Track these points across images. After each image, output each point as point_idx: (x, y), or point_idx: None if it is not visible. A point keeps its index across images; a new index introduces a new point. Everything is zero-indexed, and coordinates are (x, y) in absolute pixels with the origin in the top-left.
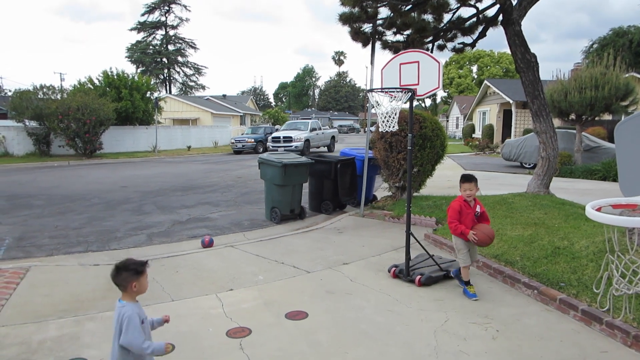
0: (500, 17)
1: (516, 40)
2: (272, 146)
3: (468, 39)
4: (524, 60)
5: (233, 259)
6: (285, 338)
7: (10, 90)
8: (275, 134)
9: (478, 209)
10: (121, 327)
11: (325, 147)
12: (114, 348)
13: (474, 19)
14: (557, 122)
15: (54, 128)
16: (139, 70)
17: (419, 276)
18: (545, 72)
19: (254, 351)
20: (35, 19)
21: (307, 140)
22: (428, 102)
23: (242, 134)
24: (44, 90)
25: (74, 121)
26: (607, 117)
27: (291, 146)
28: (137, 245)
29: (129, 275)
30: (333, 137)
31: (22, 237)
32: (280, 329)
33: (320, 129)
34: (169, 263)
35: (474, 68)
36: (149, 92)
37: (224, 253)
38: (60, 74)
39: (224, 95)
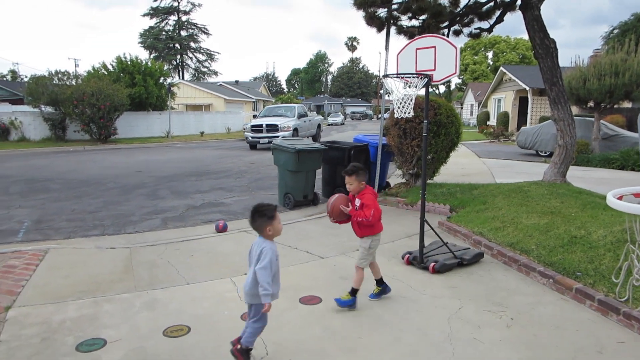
0: (519, 1)
1: (535, 25)
2: (252, 137)
3: (485, 24)
4: (542, 46)
5: (247, 244)
6: (299, 322)
7: (26, 76)
8: (255, 122)
9: (357, 202)
10: (259, 257)
11: (311, 138)
12: (250, 273)
13: (492, 3)
14: (575, 109)
15: (69, 113)
16: (151, 56)
17: (433, 263)
18: (564, 59)
19: (268, 334)
20: (50, 4)
21: (295, 130)
22: (442, 88)
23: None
24: (59, 75)
25: (89, 106)
26: (627, 104)
27: (277, 137)
28: (152, 229)
29: (263, 220)
30: (319, 126)
31: (40, 220)
32: (295, 313)
33: (307, 115)
34: (183, 247)
35: (490, 54)
36: (162, 78)
37: (238, 238)
38: (75, 59)
39: (237, 81)
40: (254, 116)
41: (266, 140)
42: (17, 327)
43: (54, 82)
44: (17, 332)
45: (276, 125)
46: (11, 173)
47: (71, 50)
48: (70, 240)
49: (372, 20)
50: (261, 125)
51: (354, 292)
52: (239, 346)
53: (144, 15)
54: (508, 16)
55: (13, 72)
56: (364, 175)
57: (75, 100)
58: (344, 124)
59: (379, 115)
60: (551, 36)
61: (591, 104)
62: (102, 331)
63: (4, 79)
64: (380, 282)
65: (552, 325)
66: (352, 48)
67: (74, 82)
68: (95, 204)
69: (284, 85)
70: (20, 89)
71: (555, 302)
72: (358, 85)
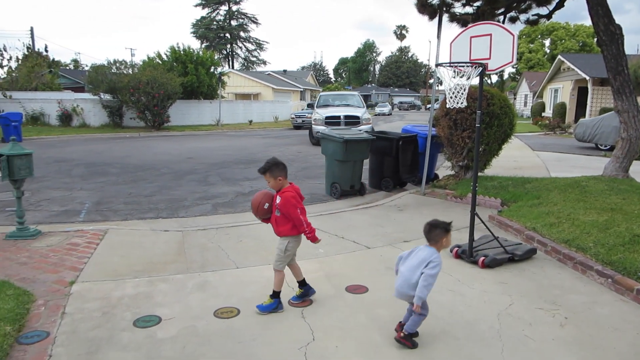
0: None
1: (599, 10)
2: (322, 133)
3: (544, 10)
4: (606, 32)
5: None
6: (345, 310)
7: (87, 65)
8: (330, 112)
9: (278, 199)
10: (424, 262)
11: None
12: (417, 274)
13: None
14: None
15: (125, 101)
16: (203, 46)
17: (482, 258)
18: (630, 46)
19: (315, 321)
20: None
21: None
22: (494, 78)
23: (302, 110)
24: (117, 65)
25: (144, 95)
26: None
27: (360, 131)
28: (203, 214)
29: (441, 231)
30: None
31: (100, 201)
32: (341, 301)
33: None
34: (233, 232)
35: (547, 42)
36: (213, 67)
37: None
38: (131, 49)
39: (285, 71)
40: (309, 105)
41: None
42: (81, 301)
43: (112, 71)
44: (81, 306)
45: (357, 117)
46: (73, 157)
47: (128, 40)
48: (127, 222)
49: (424, 8)
50: (339, 117)
51: (275, 294)
52: (402, 334)
53: (196, 5)
54: (569, 1)
55: (75, 62)
56: (279, 170)
57: (132, 89)
58: (391, 114)
59: (428, 106)
60: (616, 22)
61: None
62: (157, 309)
63: (67, 67)
64: (302, 283)
65: (610, 327)
66: (401, 37)
67: (130, 71)
68: (150, 188)
69: (332, 75)
70: (82, 78)
71: (614, 302)
72: (406, 74)
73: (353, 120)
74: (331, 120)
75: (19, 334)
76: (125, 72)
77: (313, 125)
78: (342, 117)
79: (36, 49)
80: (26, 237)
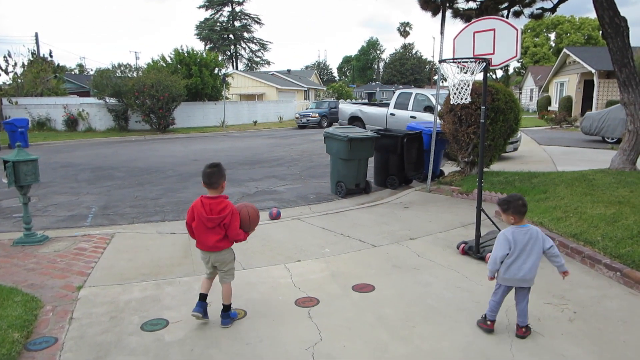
0: None
1: (604, 3)
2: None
3: (548, 4)
4: (612, 24)
5: (300, 231)
6: (352, 310)
7: (91, 70)
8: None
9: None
10: (542, 241)
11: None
12: (533, 260)
13: None
14: None
15: (131, 104)
16: (207, 47)
17: (489, 254)
18: (635, 38)
19: (322, 320)
20: None
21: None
22: (499, 73)
23: (307, 109)
24: (122, 68)
25: (149, 98)
26: None
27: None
28: None
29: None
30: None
31: (106, 206)
32: (348, 300)
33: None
34: None
35: (552, 36)
36: (217, 69)
37: (291, 225)
38: (135, 52)
39: (289, 70)
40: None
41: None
42: (88, 306)
43: (117, 74)
44: (88, 311)
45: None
46: (80, 162)
47: (132, 44)
48: (134, 226)
49: (427, 4)
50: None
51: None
52: (524, 329)
53: (199, 7)
54: None
55: (80, 66)
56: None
57: (137, 92)
58: None
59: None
60: (621, 14)
61: None
62: (164, 312)
63: (72, 72)
64: (204, 297)
65: (619, 320)
66: (404, 34)
67: (135, 75)
68: (156, 191)
69: (336, 74)
70: (87, 82)
71: (623, 296)
72: (411, 71)
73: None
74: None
75: (27, 341)
76: (129, 75)
77: None
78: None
79: (41, 55)
80: (34, 243)
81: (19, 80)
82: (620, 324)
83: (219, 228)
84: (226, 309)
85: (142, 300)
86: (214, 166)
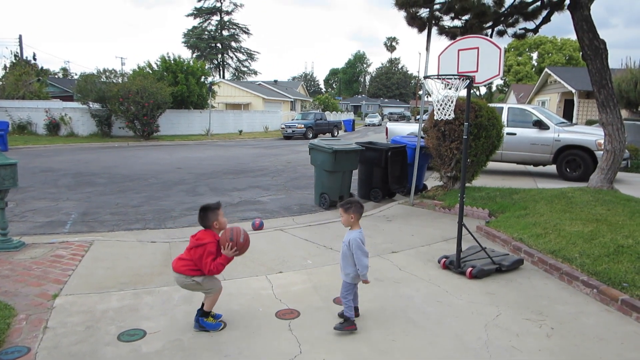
0: (567, 1)
1: (584, 25)
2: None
3: (531, 24)
4: (591, 47)
5: (283, 242)
6: (333, 322)
7: (76, 74)
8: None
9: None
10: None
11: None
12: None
13: (538, 3)
14: (624, 113)
15: (115, 110)
16: (194, 55)
17: (470, 268)
18: (614, 60)
19: (302, 333)
20: (99, 3)
21: None
22: (483, 90)
23: (293, 120)
24: (107, 74)
25: (134, 104)
26: None
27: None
28: (191, 224)
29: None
30: None
31: (86, 212)
32: (329, 313)
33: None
34: None
35: (534, 55)
36: (203, 77)
37: (274, 236)
38: (121, 58)
39: (275, 81)
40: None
41: None
42: (64, 315)
43: (102, 79)
44: (64, 320)
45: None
46: (60, 167)
47: (118, 49)
48: (114, 233)
49: (414, 21)
50: None
51: (206, 314)
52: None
53: (187, 15)
54: (555, 16)
55: (64, 70)
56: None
57: (121, 98)
58: (381, 124)
59: (417, 117)
60: (601, 36)
61: None
62: (142, 322)
63: (56, 76)
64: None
65: (596, 337)
66: (391, 48)
67: (120, 81)
68: (137, 199)
69: (322, 85)
70: (71, 86)
71: (599, 313)
72: (396, 86)
73: None
74: None
75: None
76: (115, 81)
77: None
78: None
79: (24, 57)
80: (9, 249)
81: (1, 83)
82: (596, 340)
83: (189, 251)
84: (203, 314)
85: (119, 309)
86: (200, 210)
